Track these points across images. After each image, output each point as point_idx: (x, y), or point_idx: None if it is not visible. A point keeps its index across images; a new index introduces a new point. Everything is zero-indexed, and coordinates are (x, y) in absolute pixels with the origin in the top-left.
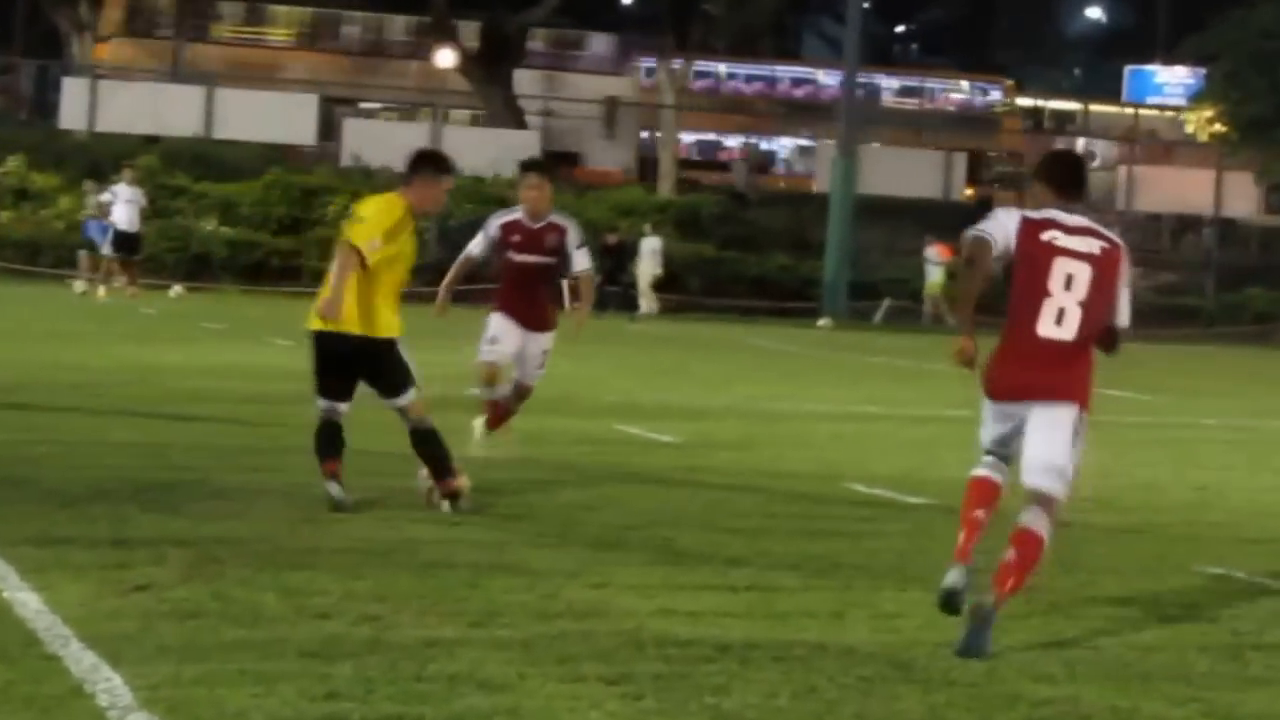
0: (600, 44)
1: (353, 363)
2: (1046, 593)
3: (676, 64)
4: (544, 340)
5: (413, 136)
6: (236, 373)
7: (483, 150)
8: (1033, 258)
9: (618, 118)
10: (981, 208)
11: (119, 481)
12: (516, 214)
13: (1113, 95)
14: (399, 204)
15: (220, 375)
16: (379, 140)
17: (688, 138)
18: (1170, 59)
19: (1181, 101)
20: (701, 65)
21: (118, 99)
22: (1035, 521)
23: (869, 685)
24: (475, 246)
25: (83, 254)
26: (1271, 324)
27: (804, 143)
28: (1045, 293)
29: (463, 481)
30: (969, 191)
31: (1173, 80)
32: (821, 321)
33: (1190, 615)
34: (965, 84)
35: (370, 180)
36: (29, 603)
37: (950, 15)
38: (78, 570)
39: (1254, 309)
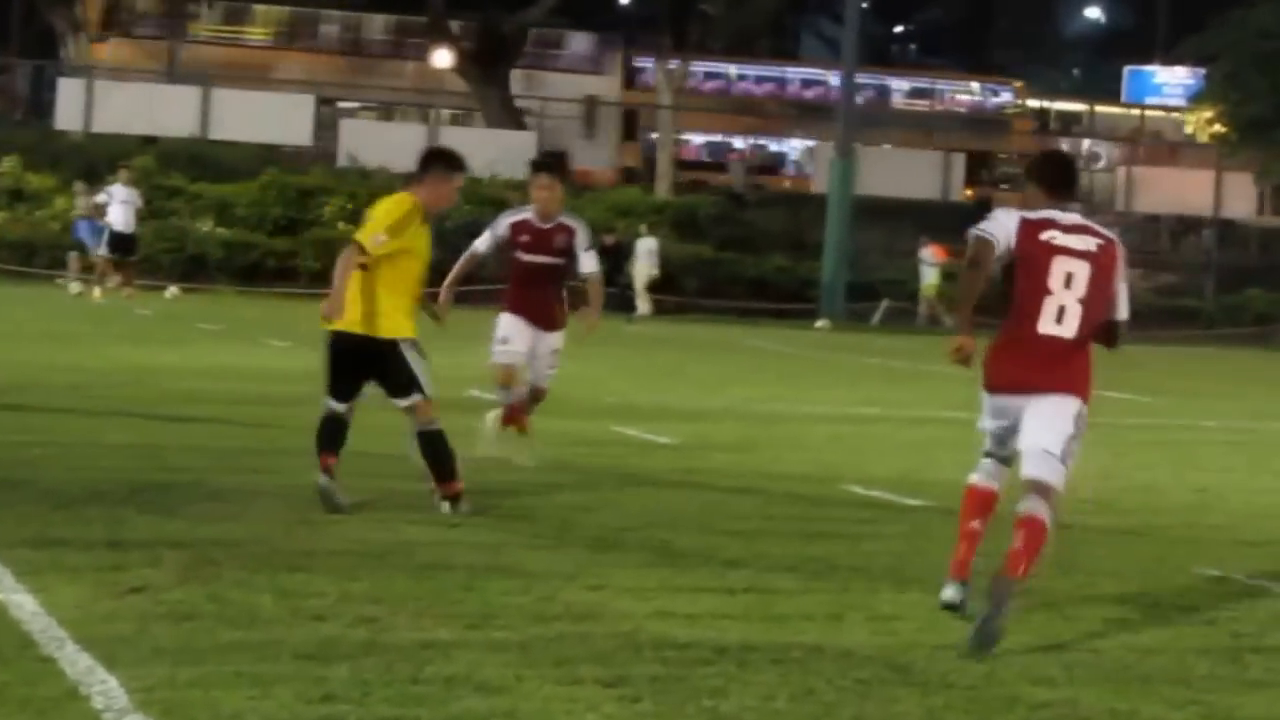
0: (580, 43)
1: (359, 362)
2: (1045, 595)
3: (674, 64)
4: (554, 340)
5: (409, 137)
6: (232, 374)
7: (480, 151)
8: (1032, 257)
9: (597, 117)
10: (980, 208)
11: (115, 483)
12: (526, 213)
13: (1112, 96)
14: (406, 200)
15: (216, 377)
16: (376, 141)
17: (697, 139)
18: (1170, 59)
19: (1181, 102)
20: (711, 67)
21: (113, 99)
22: (1036, 508)
23: (867, 688)
24: (481, 244)
25: (72, 255)
26: (1271, 325)
27: (814, 144)
28: (1045, 291)
29: (459, 486)
30: (968, 192)
31: (1172, 81)
32: (819, 323)
33: (1189, 618)
34: (975, 85)
35: (367, 180)
36: (24, 604)
37: (949, 16)
38: (73, 572)
39: (1254, 310)
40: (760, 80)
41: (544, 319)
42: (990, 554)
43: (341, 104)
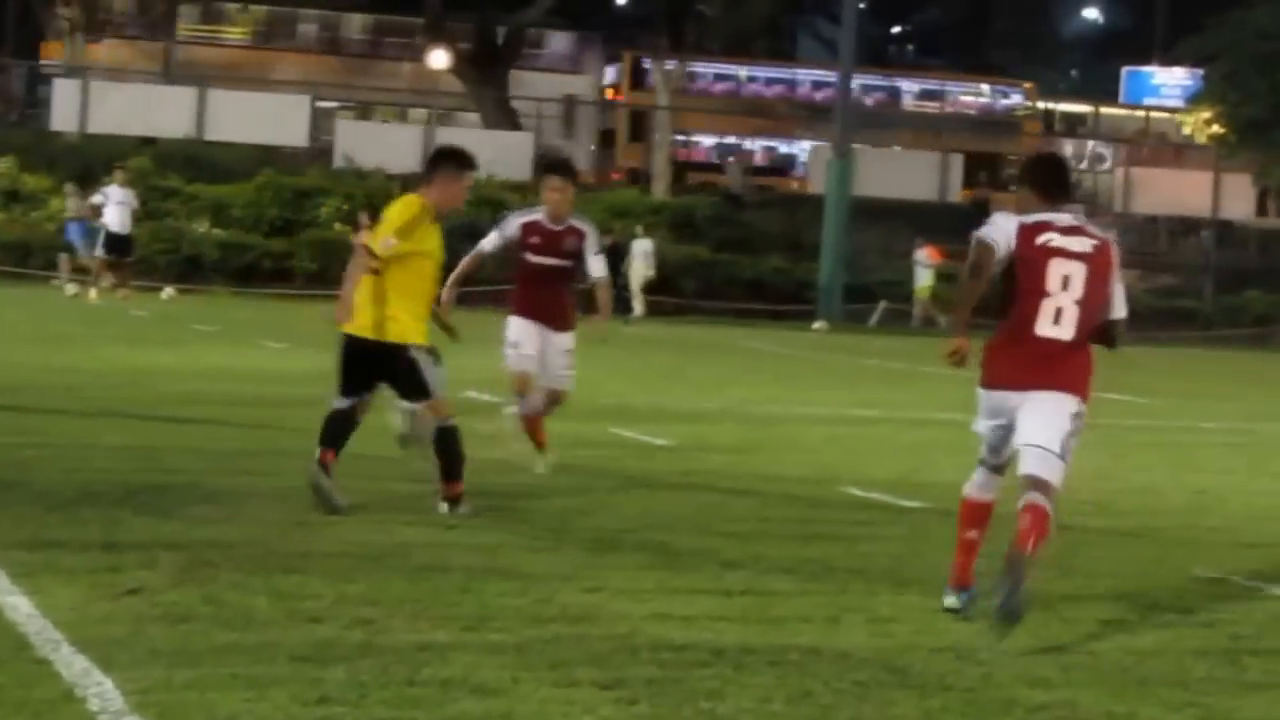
0: (559, 42)
1: (371, 364)
2: (1043, 596)
3: (671, 65)
4: (565, 340)
5: (405, 138)
6: (228, 375)
7: (477, 152)
8: (1030, 261)
9: (576, 117)
10: (978, 209)
11: (110, 485)
12: (537, 214)
13: (1110, 96)
14: (415, 202)
15: (212, 378)
16: (371, 141)
17: (706, 140)
18: (1168, 60)
19: (1179, 103)
20: (722, 68)
21: (109, 100)
22: (1038, 499)
23: (864, 690)
24: (488, 244)
25: (63, 257)
26: (1270, 327)
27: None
28: (1043, 293)
29: (461, 488)
30: (966, 192)
31: (1170, 82)
32: (817, 324)
33: (1188, 620)
34: (985, 88)
35: (364, 181)
36: (19, 607)
37: (946, 16)
38: (69, 574)
39: (1252, 311)
40: (770, 82)
41: (553, 320)
42: (991, 555)
43: (320, 103)
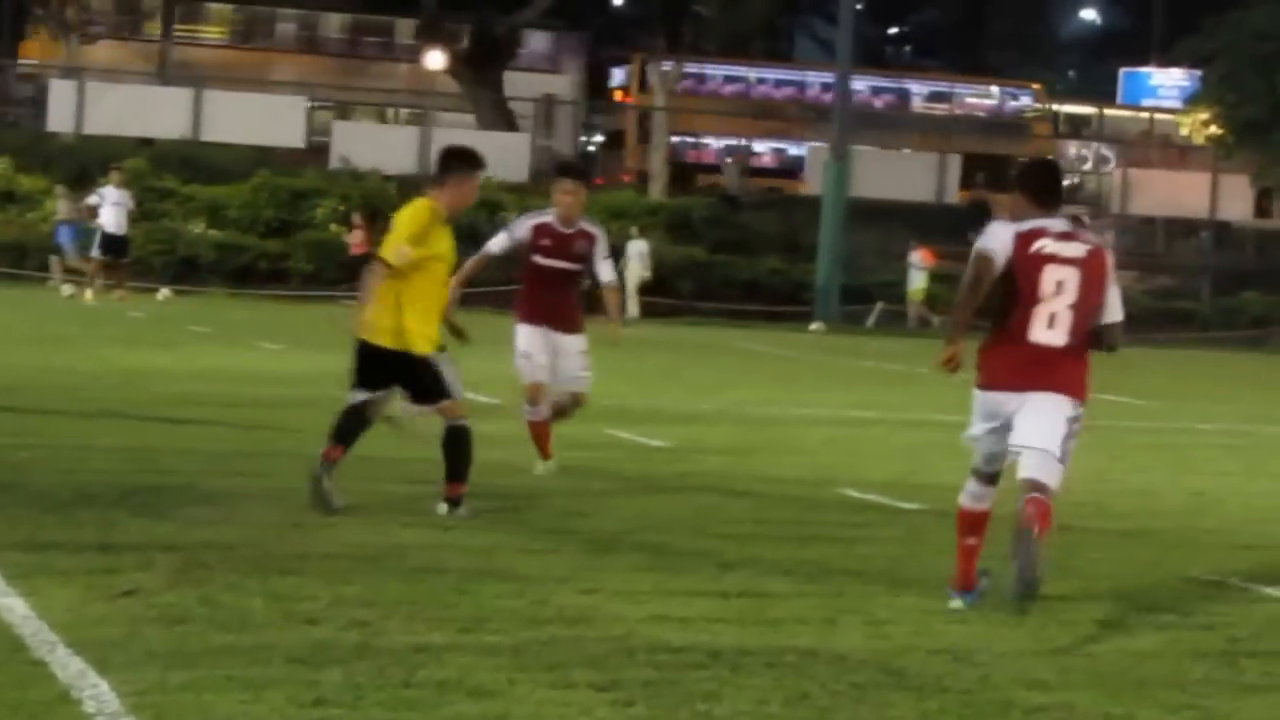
0: (538, 42)
1: (386, 368)
2: (1040, 598)
3: (667, 66)
4: (577, 342)
5: (401, 139)
6: (224, 376)
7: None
8: (1025, 268)
9: (555, 117)
10: (974, 210)
11: (106, 486)
12: (547, 217)
13: (1108, 97)
14: (425, 206)
15: (208, 379)
16: (367, 142)
17: (716, 142)
18: (1165, 61)
19: (1176, 104)
20: (731, 70)
21: (105, 101)
22: (1039, 495)
23: (861, 692)
24: (495, 245)
25: (54, 259)
26: (1267, 328)
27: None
28: (1036, 299)
29: (464, 490)
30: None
31: (1168, 83)
32: (814, 325)
33: (1185, 622)
34: (995, 89)
35: (360, 182)
36: (15, 608)
37: (944, 17)
38: (64, 575)
39: (1250, 313)
40: (780, 84)
41: (562, 323)
42: (991, 557)
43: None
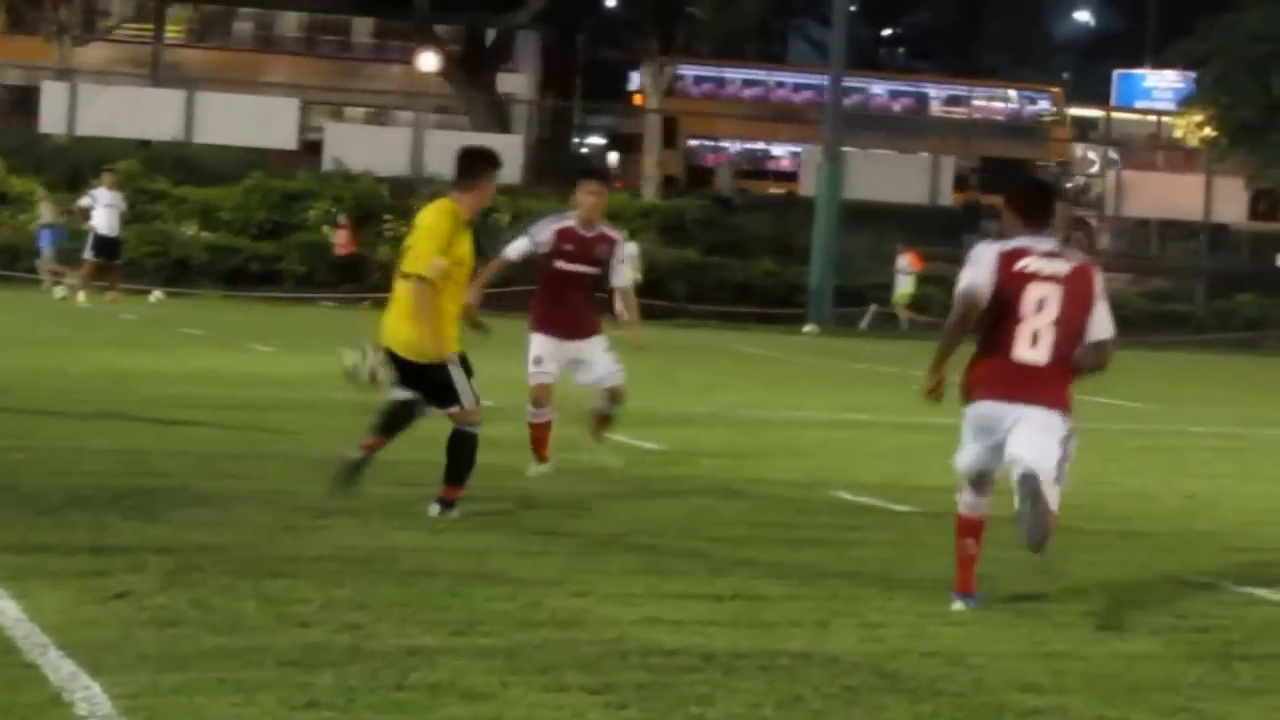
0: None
1: (406, 374)
2: (1033, 601)
3: (658, 69)
4: (598, 342)
5: (394, 140)
6: (216, 379)
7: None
8: (1008, 287)
9: (511, 115)
10: (968, 213)
11: (98, 488)
12: (569, 220)
13: (1101, 99)
14: (448, 211)
15: (200, 381)
16: (360, 144)
17: (734, 146)
18: (1159, 63)
19: (1170, 105)
20: (749, 73)
21: (97, 103)
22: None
23: (854, 695)
24: (515, 251)
25: (38, 262)
26: (1262, 331)
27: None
28: (1018, 318)
29: (459, 494)
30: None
31: (1162, 84)
32: (807, 328)
33: (1179, 624)
34: (1013, 93)
35: (352, 184)
36: (7, 610)
37: (937, 19)
38: (56, 578)
39: (1244, 315)
40: (799, 88)
41: (577, 328)
42: (990, 560)
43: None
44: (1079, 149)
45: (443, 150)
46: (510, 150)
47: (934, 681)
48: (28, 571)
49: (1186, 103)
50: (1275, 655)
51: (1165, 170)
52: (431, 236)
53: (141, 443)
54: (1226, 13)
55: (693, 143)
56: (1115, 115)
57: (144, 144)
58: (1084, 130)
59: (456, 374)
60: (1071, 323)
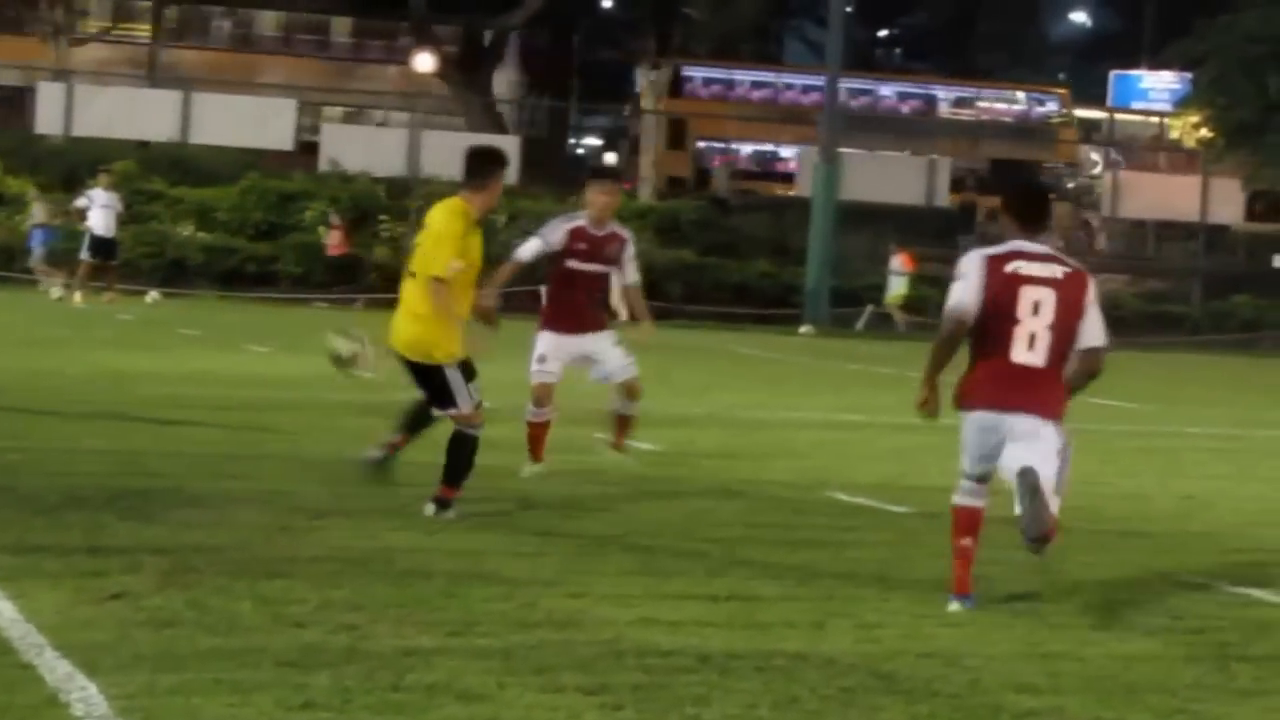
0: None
1: (412, 374)
2: (1030, 602)
3: (655, 71)
4: (607, 336)
5: (391, 141)
6: (213, 379)
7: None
8: (1001, 290)
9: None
10: (965, 214)
11: (94, 489)
12: (580, 220)
13: (1098, 100)
14: (459, 211)
15: (197, 382)
16: (356, 144)
17: (745, 148)
18: (1156, 64)
19: (1167, 106)
20: (758, 75)
21: (94, 103)
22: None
23: (851, 696)
24: (527, 252)
25: (33, 263)
26: (1258, 332)
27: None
28: (1014, 320)
29: (456, 495)
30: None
31: (1158, 85)
32: (803, 328)
33: (1176, 625)
34: (1021, 95)
35: (349, 185)
36: (3, 611)
37: (933, 19)
38: (52, 578)
39: (1240, 317)
40: (807, 90)
41: (585, 325)
42: (986, 561)
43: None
44: (1084, 150)
45: (439, 151)
46: (508, 151)
47: (930, 682)
48: (24, 572)
49: (1183, 104)
50: (1272, 656)
51: (1169, 172)
52: (445, 237)
53: (138, 443)
54: (1223, 14)
55: (701, 144)
56: (1119, 116)
57: (140, 145)
58: (1088, 132)
59: (453, 377)
60: (1065, 327)
